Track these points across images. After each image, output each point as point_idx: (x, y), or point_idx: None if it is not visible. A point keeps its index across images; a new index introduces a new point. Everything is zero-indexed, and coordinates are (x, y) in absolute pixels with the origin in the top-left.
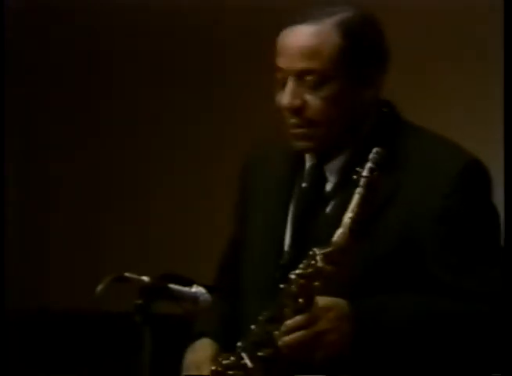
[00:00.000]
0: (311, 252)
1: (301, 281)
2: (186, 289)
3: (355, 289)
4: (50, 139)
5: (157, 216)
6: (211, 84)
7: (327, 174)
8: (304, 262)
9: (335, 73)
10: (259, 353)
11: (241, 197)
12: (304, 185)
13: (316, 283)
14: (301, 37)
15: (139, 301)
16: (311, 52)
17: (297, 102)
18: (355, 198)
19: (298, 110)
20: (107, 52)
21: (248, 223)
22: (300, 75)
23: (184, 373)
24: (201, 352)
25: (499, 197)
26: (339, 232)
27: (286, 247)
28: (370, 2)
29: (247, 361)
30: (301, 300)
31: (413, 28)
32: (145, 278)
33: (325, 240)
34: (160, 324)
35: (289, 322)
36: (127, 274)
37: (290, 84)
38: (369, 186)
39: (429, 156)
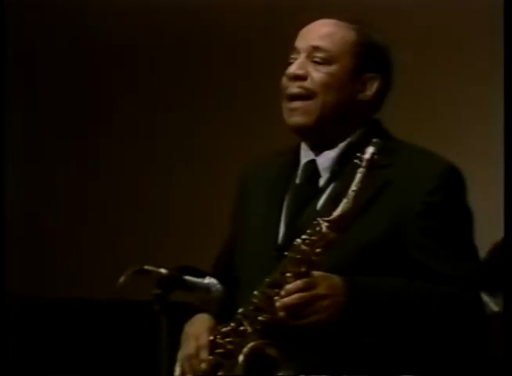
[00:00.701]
0: (315, 221)
1: (305, 247)
2: (199, 280)
3: (342, 274)
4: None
5: (166, 208)
6: (211, 83)
7: (320, 170)
8: (309, 230)
9: (340, 57)
10: (259, 318)
11: (238, 199)
12: (298, 181)
13: (318, 250)
14: (321, 24)
15: (157, 292)
16: (327, 35)
17: (302, 72)
18: (358, 176)
19: (300, 78)
20: (107, 52)
21: (245, 221)
22: (310, 51)
23: (183, 344)
24: (199, 324)
25: (499, 197)
26: (343, 202)
27: (279, 240)
28: (370, 3)
29: (247, 326)
30: (302, 266)
31: (413, 28)
32: (162, 270)
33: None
34: (176, 312)
35: (289, 286)
36: (146, 267)
37: (300, 58)
38: (370, 166)
39: (413, 160)
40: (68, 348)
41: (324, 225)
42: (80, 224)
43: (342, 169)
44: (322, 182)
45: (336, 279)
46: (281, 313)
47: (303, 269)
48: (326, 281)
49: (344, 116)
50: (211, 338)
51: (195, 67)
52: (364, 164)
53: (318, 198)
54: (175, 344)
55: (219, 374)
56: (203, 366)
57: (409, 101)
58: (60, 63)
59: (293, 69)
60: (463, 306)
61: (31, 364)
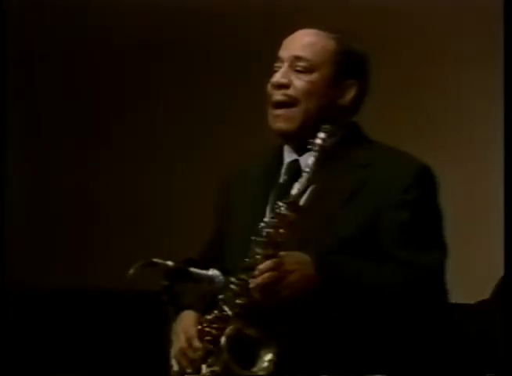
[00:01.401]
0: (275, 205)
1: (269, 230)
2: (204, 272)
3: None
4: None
5: (170, 199)
6: (211, 83)
7: (303, 168)
8: (271, 214)
9: (321, 65)
10: (237, 301)
11: (222, 196)
12: (282, 179)
13: (282, 231)
14: (303, 34)
15: (165, 283)
16: (308, 45)
17: (285, 80)
18: (311, 160)
19: (284, 86)
20: (107, 52)
21: (232, 219)
22: (293, 61)
23: (174, 340)
24: (186, 319)
25: (499, 197)
26: (298, 183)
27: None
28: (371, 3)
29: (228, 311)
30: (270, 247)
31: (413, 28)
32: (169, 263)
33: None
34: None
35: (260, 267)
36: (154, 259)
37: (283, 67)
38: (322, 150)
39: (390, 160)
40: (75, 339)
41: (283, 208)
42: (89, 215)
43: (325, 168)
44: (305, 180)
45: (303, 255)
46: (255, 294)
47: (270, 251)
48: (293, 258)
49: (324, 120)
50: (199, 327)
51: (195, 67)
52: (316, 148)
53: (301, 196)
54: None
55: (209, 360)
56: (198, 353)
57: (410, 101)
58: (60, 63)
59: (277, 78)
60: (427, 287)
61: (37, 355)
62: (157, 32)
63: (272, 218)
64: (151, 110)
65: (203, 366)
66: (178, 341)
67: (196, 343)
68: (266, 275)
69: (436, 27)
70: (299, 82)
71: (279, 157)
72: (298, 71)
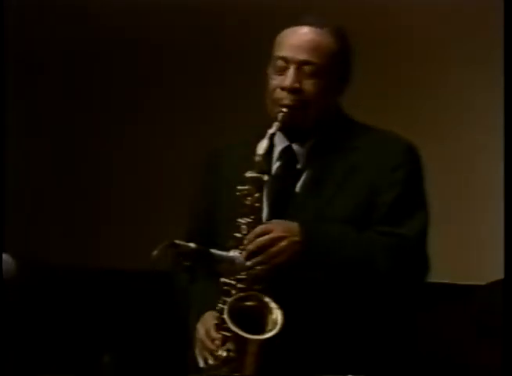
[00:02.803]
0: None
1: (244, 199)
2: (225, 253)
3: None
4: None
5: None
6: (211, 83)
7: (298, 154)
8: (239, 186)
9: (327, 68)
10: (238, 276)
11: (208, 177)
12: (278, 164)
13: (257, 195)
14: (305, 35)
15: (187, 263)
16: (313, 48)
17: (297, 85)
18: (275, 124)
19: (296, 91)
20: (107, 51)
21: (220, 199)
22: (301, 64)
23: (196, 337)
24: (206, 316)
25: (499, 197)
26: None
27: (264, 219)
28: (371, 3)
29: (233, 292)
30: (250, 215)
31: (413, 28)
32: (192, 244)
33: (295, 213)
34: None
35: (248, 235)
36: (177, 241)
37: (292, 71)
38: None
39: (376, 141)
40: (98, 318)
41: (249, 174)
42: (102, 196)
43: (318, 154)
44: (299, 166)
45: (291, 223)
46: (248, 263)
47: (252, 217)
48: (281, 225)
49: (324, 116)
50: (216, 321)
51: (195, 67)
52: (280, 117)
53: (297, 180)
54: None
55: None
56: (217, 342)
57: (409, 100)
58: (60, 63)
59: (289, 82)
60: (406, 254)
61: (64, 333)
62: (158, 31)
63: (242, 186)
64: (151, 109)
65: (220, 351)
66: (198, 335)
67: (214, 333)
68: (257, 241)
69: (436, 27)
70: (309, 87)
71: (269, 143)
72: (307, 75)
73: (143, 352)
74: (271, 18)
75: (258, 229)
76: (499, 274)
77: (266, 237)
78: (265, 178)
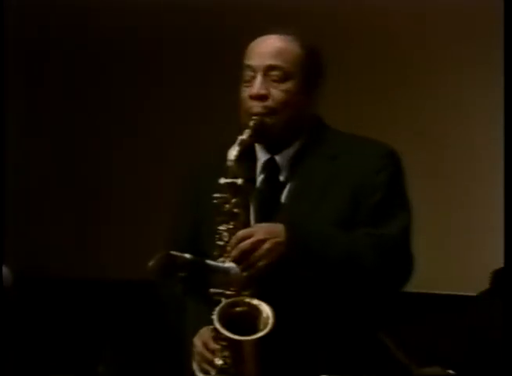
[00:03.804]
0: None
1: (224, 206)
2: (220, 264)
3: None
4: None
5: None
6: (211, 84)
7: (280, 166)
8: (217, 194)
9: (294, 73)
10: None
11: (189, 188)
12: (261, 176)
13: (234, 200)
14: (271, 42)
15: (182, 274)
16: (278, 53)
17: (264, 91)
18: (246, 131)
19: (263, 97)
20: (107, 51)
21: (203, 210)
22: (267, 70)
23: (194, 351)
24: (202, 330)
25: (499, 198)
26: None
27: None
28: (371, 4)
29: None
30: (230, 222)
31: (413, 28)
32: (187, 255)
33: (282, 222)
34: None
35: (231, 241)
36: (173, 252)
37: (259, 78)
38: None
39: (355, 148)
40: (95, 328)
41: (223, 180)
42: (101, 204)
43: (299, 164)
44: (282, 177)
45: (275, 225)
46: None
47: (232, 223)
48: (263, 228)
49: (298, 122)
50: (213, 334)
51: (195, 67)
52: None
53: (281, 191)
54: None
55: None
56: (216, 353)
57: (410, 100)
58: (60, 63)
59: (256, 89)
60: (393, 251)
61: (61, 343)
62: (158, 31)
63: (220, 193)
64: (150, 109)
65: (216, 359)
66: (196, 348)
67: (212, 344)
68: (240, 245)
69: (436, 28)
70: (277, 93)
71: (251, 155)
72: (274, 81)
73: (139, 361)
74: (267, 19)
75: (240, 233)
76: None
77: (248, 242)
78: (240, 182)
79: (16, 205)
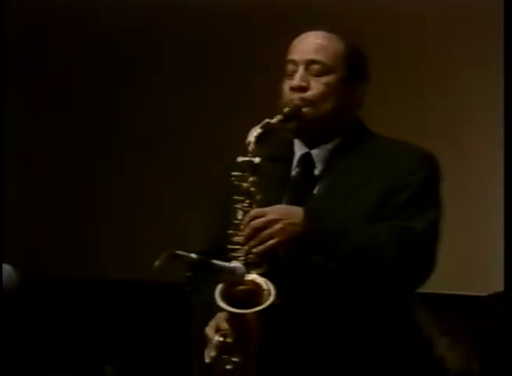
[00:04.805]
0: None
1: (241, 184)
2: (226, 264)
3: None
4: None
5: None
6: (211, 84)
7: (315, 161)
8: (236, 172)
9: (334, 67)
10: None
11: (225, 188)
12: (296, 170)
13: (252, 179)
14: (314, 38)
15: (189, 274)
16: (320, 48)
17: (304, 83)
18: (277, 116)
19: (304, 89)
20: (107, 51)
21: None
22: (308, 64)
23: (208, 338)
24: (216, 318)
25: (499, 195)
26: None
27: None
28: (371, 5)
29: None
30: (246, 200)
31: (413, 29)
32: (193, 255)
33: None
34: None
35: (244, 219)
36: (179, 252)
37: (300, 71)
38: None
39: (393, 150)
40: (103, 327)
41: (241, 158)
42: (105, 204)
43: (335, 161)
44: (317, 172)
45: (292, 207)
46: (245, 247)
47: (247, 202)
48: (277, 209)
49: (337, 118)
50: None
51: (196, 67)
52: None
53: (313, 187)
54: (204, 320)
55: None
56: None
57: (410, 100)
58: (60, 63)
59: (297, 81)
60: (415, 246)
61: (65, 343)
62: (158, 31)
63: (239, 171)
64: (150, 108)
65: (216, 336)
66: (209, 331)
67: (223, 325)
68: (252, 223)
69: (436, 28)
70: (316, 85)
71: (289, 149)
72: (314, 75)
73: (145, 361)
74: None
75: (253, 212)
76: (498, 285)
77: (261, 220)
78: (257, 160)
79: (16, 205)
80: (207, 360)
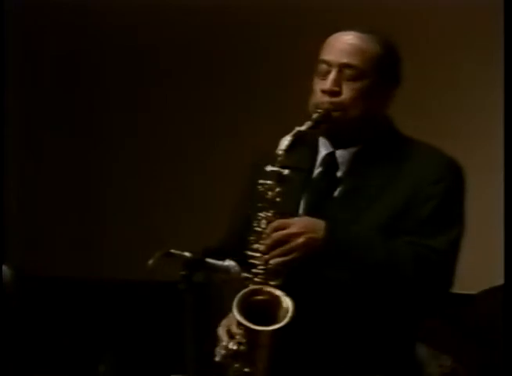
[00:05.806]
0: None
1: (265, 192)
2: (220, 262)
3: None
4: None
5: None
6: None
7: (339, 162)
8: (262, 180)
9: (369, 72)
10: (258, 270)
11: (250, 183)
12: (319, 170)
13: (278, 189)
14: (349, 39)
15: (183, 273)
16: (356, 51)
17: (337, 88)
18: (307, 123)
19: (335, 93)
20: (107, 51)
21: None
22: (342, 67)
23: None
24: (229, 318)
25: (499, 190)
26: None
27: None
28: (371, 4)
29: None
30: (270, 210)
31: (413, 28)
32: (187, 253)
33: (332, 219)
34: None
35: (266, 230)
36: (172, 250)
37: (333, 74)
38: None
39: (420, 155)
40: (98, 327)
41: (270, 168)
42: (102, 204)
43: (359, 164)
44: (339, 173)
45: (316, 221)
46: (266, 256)
47: (271, 211)
48: (300, 221)
49: (366, 122)
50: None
51: (196, 67)
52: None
53: (335, 188)
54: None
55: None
56: (237, 338)
57: (410, 100)
58: (60, 63)
59: (329, 85)
60: (435, 266)
61: (64, 342)
62: (158, 31)
63: (265, 180)
64: (150, 108)
65: (231, 344)
66: (222, 337)
67: (234, 329)
68: (273, 235)
69: (436, 28)
70: (349, 90)
71: (313, 147)
72: (348, 79)
73: (139, 361)
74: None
75: (276, 223)
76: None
77: (283, 233)
78: (285, 172)
79: (17, 205)
80: (217, 359)
